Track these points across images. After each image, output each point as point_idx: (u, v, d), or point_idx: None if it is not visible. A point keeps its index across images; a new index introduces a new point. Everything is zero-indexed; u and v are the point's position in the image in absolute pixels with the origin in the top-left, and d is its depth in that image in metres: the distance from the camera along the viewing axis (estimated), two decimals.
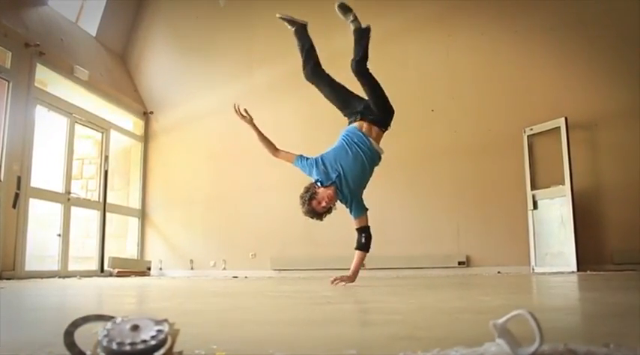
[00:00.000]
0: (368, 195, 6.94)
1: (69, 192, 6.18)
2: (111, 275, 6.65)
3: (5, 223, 5.18)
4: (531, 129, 6.63)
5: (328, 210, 3.59)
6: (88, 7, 7.28)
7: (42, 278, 5.47)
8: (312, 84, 3.82)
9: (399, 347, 0.88)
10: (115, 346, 0.70)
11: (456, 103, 6.96)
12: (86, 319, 0.83)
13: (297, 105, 7.27)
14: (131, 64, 8.00)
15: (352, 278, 3.52)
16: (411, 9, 7.23)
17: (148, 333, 0.72)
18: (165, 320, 0.75)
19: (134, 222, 7.57)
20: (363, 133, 3.57)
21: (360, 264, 3.61)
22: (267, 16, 8.01)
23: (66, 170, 6.17)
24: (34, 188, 5.61)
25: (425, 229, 6.80)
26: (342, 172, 3.50)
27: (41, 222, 6.19)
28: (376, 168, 3.85)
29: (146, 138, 7.79)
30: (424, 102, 7.05)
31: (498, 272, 6.39)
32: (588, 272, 5.72)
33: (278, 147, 3.93)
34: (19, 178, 5.35)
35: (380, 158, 3.71)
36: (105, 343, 0.70)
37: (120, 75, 7.59)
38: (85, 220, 7.13)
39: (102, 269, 6.64)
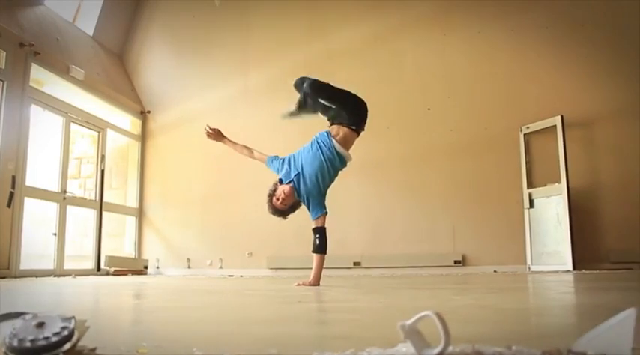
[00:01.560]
0: (363, 194, 7.00)
1: (65, 191, 6.21)
2: (108, 273, 6.68)
3: (0, 222, 5.21)
4: (527, 128, 6.60)
5: (291, 209, 3.60)
6: (86, 7, 7.31)
7: (37, 276, 5.51)
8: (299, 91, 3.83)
9: (329, 346, 0.88)
10: (16, 342, 0.70)
11: (452, 102, 6.94)
12: (4, 317, 0.83)
13: (292, 104, 7.26)
14: (129, 64, 8.03)
15: (313, 282, 3.45)
16: (407, 8, 7.21)
17: (51, 330, 0.72)
18: (73, 317, 0.75)
19: (132, 221, 7.60)
20: (329, 135, 3.58)
21: (320, 267, 3.51)
22: (263, 16, 8.06)
23: (62, 169, 6.20)
24: (29, 187, 5.64)
25: (421, 228, 6.78)
26: (301, 172, 3.52)
27: (38, 221, 6.23)
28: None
29: (143, 138, 7.82)
30: (420, 100, 7.04)
31: (494, 271, 6.37)
32: (583, 271, 5.68)
33: (251, 148, 3.99)
34: (13, 177, 5.38)
35: (344, 161, 3.65)
36: (8, 340, 0.71)
37: (117, 74, 7.62)
38: (84, 219, 7.16)
39: (98, 268, 6.67)
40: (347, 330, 1.13)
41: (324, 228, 3.56)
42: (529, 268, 6.34)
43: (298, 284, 3.45)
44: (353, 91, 3.79)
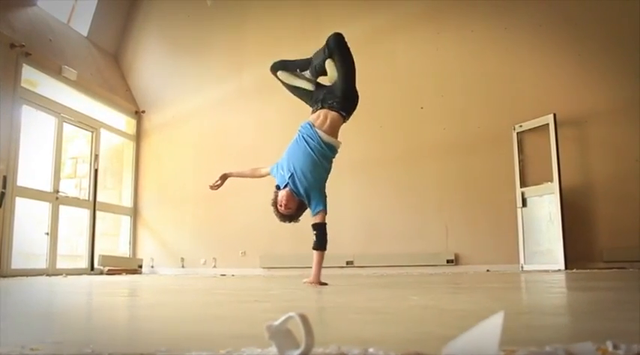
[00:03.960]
0: (356, 193, 6.99)
1: (57, 191, 6.25)
2: (101, 273, 6.72)
3: None
4: (521, 126, 6.56)
5: (299, 210, 3.52)
6: (80, 8, 7.34)
7: (29, 276, 5.54)
8: (276, 76, 3.72)
9: (235, 344, 0.88)
10: None
11: (445, 101, 6.92)
12: None
13: (285, 105, 7.23)
14: (124, 64, 8.06)
15: (314, 280, 3.38)
16: (400, 7, 7.19)
17: None
18: None
19: (126, 221, 7.64)
20: (312, 126, 3.45)
21: (319, 264, 3.44)
22: (257, 16, 8.07)
23: (54, 169, 6.23)
24: (20, 187, 5.68)
25: (413, 227, 6.76)
26: (294, 171, 3.42)
27: (31, 220, 6.27)
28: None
29: (138, 137, 7.85)
30: (413, 99, 7.02)
31: (487, 270, 6.33)
32: (575, 270, 5.64)
33: (255, 167, 3.95)
34: (4, 178, 5.42)
35: (334, 150, 3.53)
36: None
37: (111, 74, 7.65)
38: (79, 219, 7.20)
39: (92, 268, 6.70)
40: (257, 330, 1.13)
41: (323, 224, 3.46)
42: (522, 267, 6.30)
43: (305, 282, 3.39)
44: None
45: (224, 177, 3.91)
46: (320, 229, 3.44)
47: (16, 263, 5.63)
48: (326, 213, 3.46)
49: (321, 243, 3.44)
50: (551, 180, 6.12)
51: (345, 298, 2.09)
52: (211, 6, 6.70)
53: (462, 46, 6.97)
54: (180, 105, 7.82)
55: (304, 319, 0.71)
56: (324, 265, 7.01)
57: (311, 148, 3.42)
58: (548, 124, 6.23)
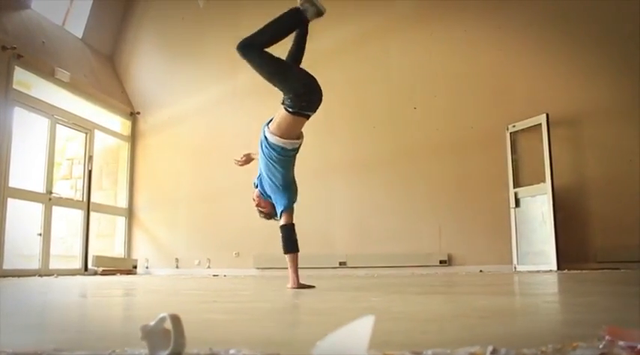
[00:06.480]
0: (349, 194, 6.98)
1: (50, 192, 6.28)
2: (95, 273, 6.74)
3: None
4: (514, 126, 6.53)
5: (274, 209, 3.46)
6: (75, 10, 7.37)
7: (20, 276, 5.57)
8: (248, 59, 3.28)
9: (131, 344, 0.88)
10: None
11: (438, 101, 6.89)
12: None
13: (279, 106, 7.27)
14: (120, 65, 8.09)
15: (292, 284, 3.15)
16: (392, 8, 7.17)
17: None
18: None
19: (122, 222, 7.66)
20: (265, 127, 3.32)
21: (293, 268, 3.18)
22: (252, 18, 8.00)
23: (47, 170, 6.27)
24: (12, 188, 5.71)
25: (407, 228, 6.75)
26: (260, 172, 3.43)
27: (24, 221, 6.30)
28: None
29: (133, 139, 7.87)
30: (406, 100, 7.00)
31: (480, 271, 6.30)
32: (566, 271, 5.60)
33: None
34: None
35: (280, 150, 3.23)
36: None
37: (107, 76, 7.69)
38: (74, 220, 7.23)
39: (86, 268, 6.73)
40: (206, 329, 1.13)
41: (288, 225, 3.23)
42: (515, 268, 6.27)
43: (288, 288, 3.19)
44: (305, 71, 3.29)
45: (247, 157, 3.70)
46: (284, 231, 3.23)
47: (8, 263, 5.65)
48: (290, 214, 3.25)
49: (287, 246, 3.21)
50: (544, 181, 6.08)
51: (304, 299, 2.08)
52: (203, 7, 6.71)
53: (455, 46, 6.95)
54: (175, 107, 7.84)
55: (175, 320, 0.71)
56: (316, 265, 7.02)
57: (262, 151, 3.31)
58: (540, 124, 6.20)
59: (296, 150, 3.35)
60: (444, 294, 2.28)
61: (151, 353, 0.71)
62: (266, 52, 3.21)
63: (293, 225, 3.25)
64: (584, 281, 3.56)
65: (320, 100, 3.24)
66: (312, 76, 3.25)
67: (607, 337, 0.75)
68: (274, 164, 3.27)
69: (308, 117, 3.23)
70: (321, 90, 3.23)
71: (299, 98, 3.15)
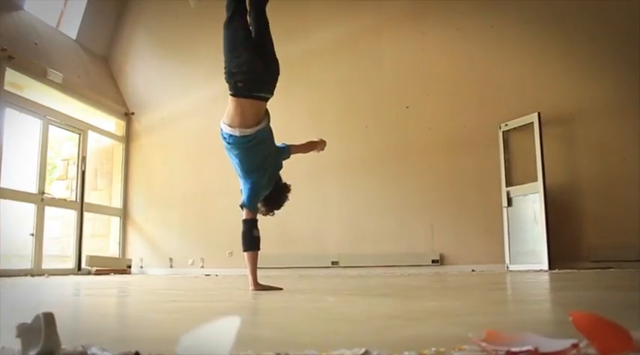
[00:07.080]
0: (341, 193, 6.96)
1: (42, 193, 6.32)
2: (89, 273, 6.78)
3: None
4: (506, 125, 6.50)
5: (264, 202, 3.30)
6: (69, 12, 7.41)
7: (12, 276, 5.61)
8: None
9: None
10: None
11: (430, 100, 6.87)
12: None
13: (273, 105, 7.26)
14: (114, 66, 8.12)
15: (251, 286, 2.92)
16: (385, 7, 7.15)
17: None
18: None
19: (116, 222, 7.70)
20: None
21: (251, 268, 2.92)
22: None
23: (39, 171, 6.31)
24: (3, 189, 5.75)
25: (399, 227, 6.73)
26: None
27: (16, 221, 6.35)
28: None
29: (128, 139, 7.91)
30: (399, 99, 6.98)
31: (472, 270, 6.28)
32: (557, 270, 5.57)
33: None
34: None
35: (229, 138, 3.03)
36: None
37: (101, 77, 7.72)
38: (68, 220, 7.28)
39: (79, 268, 6.77)
40: (148, 328, 1.13)
41: (247, 221, 2.95)
42: (507, 267, 6.24)
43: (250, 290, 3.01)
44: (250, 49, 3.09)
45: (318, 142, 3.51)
46: (243, 226, 2.96)
47: (1, 263, 5.69)
48: (250, 209, 2.98)
49: (243, 243, 2.95)
50: (536, 179, 6.05)
51: (261, 299, 2.09)
52: (195, 7, 6.70)
53: (448, 45, 6.93)
54: (169, 107, 7.86)
55: (47, 319, 0.71)
56: (308, 265, 7.01)
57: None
58: (533, 123, 6.17)
59: (238, 142, 3.01)
60: (404, 297, 2.26)
61: (24, 351, 0.71)
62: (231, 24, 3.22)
63: (254, 220, 2.98)
64: (558, 281, 3.53)
65: (260, 81, 3.05)
66: (252, 54, 3.04)
67: (476, 341, 0.74)
68: (232, 156, 3.09)
69: (246, 98, 2.99)
70: (261, 69, 3.03)
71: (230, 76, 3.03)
